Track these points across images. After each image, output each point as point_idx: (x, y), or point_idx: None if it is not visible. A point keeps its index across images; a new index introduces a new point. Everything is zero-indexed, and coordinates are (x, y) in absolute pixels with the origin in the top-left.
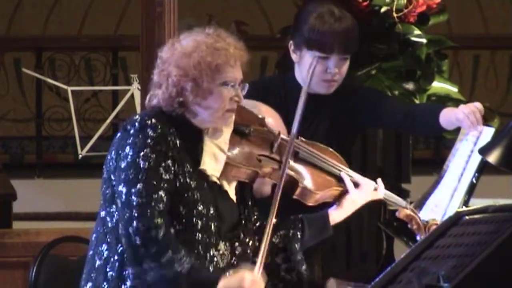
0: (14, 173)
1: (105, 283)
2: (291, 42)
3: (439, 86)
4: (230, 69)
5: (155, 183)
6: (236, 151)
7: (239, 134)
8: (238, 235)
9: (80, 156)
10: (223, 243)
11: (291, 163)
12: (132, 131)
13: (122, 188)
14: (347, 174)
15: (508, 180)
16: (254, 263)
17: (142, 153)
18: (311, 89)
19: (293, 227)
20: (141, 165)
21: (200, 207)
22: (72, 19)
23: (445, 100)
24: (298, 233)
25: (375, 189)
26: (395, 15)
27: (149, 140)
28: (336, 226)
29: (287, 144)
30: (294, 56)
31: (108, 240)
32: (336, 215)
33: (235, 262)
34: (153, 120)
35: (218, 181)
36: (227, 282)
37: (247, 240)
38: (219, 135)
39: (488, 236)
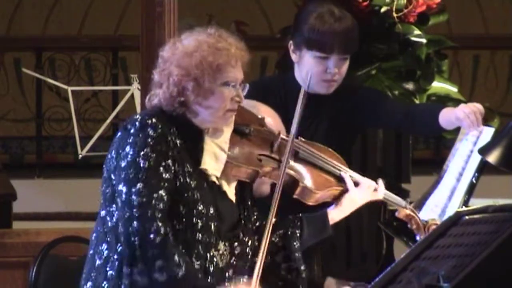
0: (14, 173)
1: (105, 282)
2: (290, 42)
3: (439, 86)
4: (231, 69)
5: (155, 182)
6: (236, 150)
7: (239, 134)
8: (237, 235)
9: (80, 156)
10: (223, 243)
11: (291, 162)
12: (132, 131)
13: (122, 187)
14: (347, 173)
15: (508, 180)
16: (253, 263)
17: (142, 153)
18: (311, 89)
19: (292, 226)
20: (141, 165)
21: (200, 207)
22: (72, 19)
23: (445, 100)
24: (297, 231)
25: (375, 190)
26: (395, 15)
27: (149, 140)
28: (336, 226)
29: (287, 143)
30: (293, 56)
31: (108, 239)
32: (335, 214)
33: (234, 262)
34: (154, 120)
35: (217, 181)
36: None
37: (247, 240)
38: (219, 135)
39: (488, 236)
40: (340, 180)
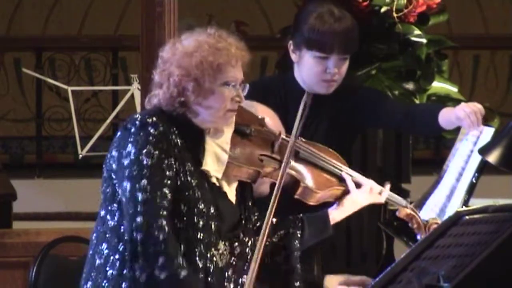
0: (14, 173)
1: (105, 282)
2: (290, 42)
3: (439, 86)
4: (232, 69)
5: (159, 179)
6: (237, 151)
7: (240, 134)
8: (238, 235)
9: (80, 156)
10: (223, 242)
11: (292, 162)
12: (133, 130)
13: (126, 184)
14: (349, 174)
15: (508, 180)
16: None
17: (144, 150)
18: (310, 90)
19: (293, 226)
20: (145, 162)
21: (201, 206)
22: (72, 19)
23: (445, 100)
24: (298, 232)
25: (379, 193)
26: (395, 15)
27: (150, 138)
28: (336, 226)
29: (288, 144)
30: (293, 56)
31: (108, 239)
32: (336, 215)
33: (234, 262)
34: (154, 119)
35: (217, 183)
36: None
37: (247, 240)
38: (220, 135)
39: (488, 236)
40: (341, 180)
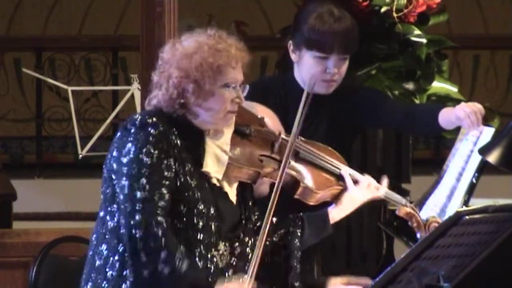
0: (14, 173)
1: (105, 282)
2: (290, 42)
3: (439, 86)
4: (232, 70)
5: (157, 179)
6: (237, 151)
7: (239, 135)
8: (238, 235)
9: (80, 156)
10: (223, 243)
11: (292, 163)
12: (133, 130)
13: (124, 182)
14: (347, 172)
15: (508, 180)
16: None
17: (144, 149)
18: (310, 90)
19: (293, 225)
20: (144, 161)
21: (201, 207)
22: (72, 19)
23: (445, 100)
24: (298, 230)
25: (376, 188)
26: (395, 15)
27: (150, 138)
28: (337, 226)
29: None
30: (293, 56)
31: (108, 240)
32: (336, 213)
33: (234, 262)
34: (154, 119)
35: (218, 183)
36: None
37: (247, 240)
38: (220, 136)
39: (488, 236)
40: (340, 179)
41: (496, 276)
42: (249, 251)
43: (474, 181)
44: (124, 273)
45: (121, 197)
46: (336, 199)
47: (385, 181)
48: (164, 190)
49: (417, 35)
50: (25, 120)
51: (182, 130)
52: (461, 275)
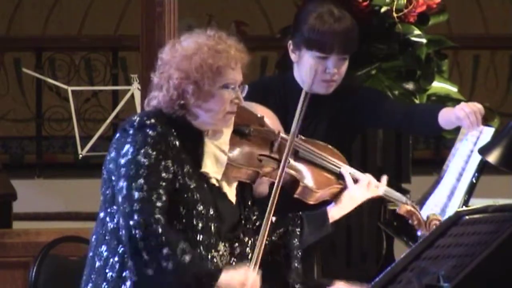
0: (14, 173)
1: (104, 284)
2: (290, 42)
3: (439, 86)
4: (231, 71)
5: (155, 180)
6: (236, 151)
7: (239, 135)
8: (238, 236)
9: (80, 156)
10: (223, 243)
11: (292, 162)
12: (131, 131)
13: (122, 183)
14: (346, 170)
15: (508, 180)
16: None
17: (142, 150)
18: (310, 89)
19: (292, 224)
20: (142, 161)
21: (200, 208)
22: (72, 19)
23: (445, 100)
24: (297, 230)
25: (375, 186)
26: (395, 15)
27: (149, 139)
28: (337, 225)
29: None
30: (293, 56)
31: (108, 241)
32: (335, 212)
33: (234, 263)
34: (152, 120)
35: (217, 184)
36: (230, 276)
37: (247, 240)
38: (219, 136)
39: (488, 236)
40: (340, 177)
41: (496, 276)
42: (249, 251)
43: (474, 181)
44: (124, 274)
45: (120, 198)
46: (336, 198)
47: (384, 179)
48: (161, 191)
49: (417, 35)
50: (25, 120)
51: (181, 131)
52: (461, 275)
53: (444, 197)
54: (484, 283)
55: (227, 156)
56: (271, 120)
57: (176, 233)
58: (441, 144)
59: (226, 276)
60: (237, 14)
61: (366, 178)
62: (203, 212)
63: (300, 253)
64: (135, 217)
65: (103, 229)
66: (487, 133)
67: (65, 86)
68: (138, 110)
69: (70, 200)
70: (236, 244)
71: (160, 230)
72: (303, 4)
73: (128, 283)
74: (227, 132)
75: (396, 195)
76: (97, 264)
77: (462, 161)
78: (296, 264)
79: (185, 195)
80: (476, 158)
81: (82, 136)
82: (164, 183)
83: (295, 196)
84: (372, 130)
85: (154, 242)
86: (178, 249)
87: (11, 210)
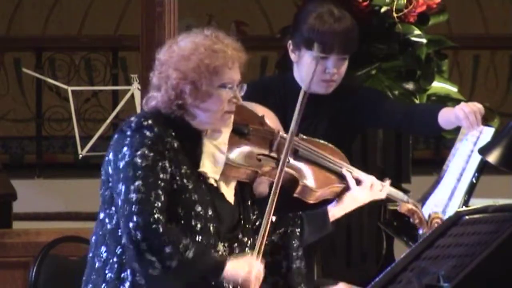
0: (14, 173)
1: (104, 284)
2: (289, 41)
3: (439, 86)
4: (228, 71)
5: (153, 181)
6: (235, 151)
7: (238, 134)
8: (237, 236)
9: (80, 156)
10: (222, 244)
11: (291, 161)
12: (128, 132)
13: (121, 187)
14: (349, 171)
15: (508, 180)
16: None
17: (139, 152)
18: (310, 89)
19: (292, 224)
20: (139, 163)
21: (198, 208)
22: (72, 19)
23: (445, 100)
24: (297, 230)
25: (379, 189)
26: (395, 15)
27: (146, 140)
28: (337, 225)
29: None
30: (292, 56)
31: (107, 242)
32: (336, 212)
33: None
34: (150, 121)
35: (215, 184)
36: (235, 265)
37: (246, 240)
38: (218, 136)
39: (488, 236)
40: (342, 177)
41: (496, 276)
42: (248, 251)
43: (474, 181)
44: (123, 275)
45: (119, 201)
46: (337, 197)
47: (387, 182)
48: (160, 191)
49: (417, 35)
50: (25, 120)
51: (180, 131)
52: (461, 275)
53: (444, 197)
54: (484, 283)
55: (226, 156)
56: (271, 120)
57: (177, 230)
58: (441, 144)
59: (231, 266)
60: (237, 14)
61: (369, 180)
62: (201, 212)
63: (300, 253)
64: (135, 218)
65: (102, 230)
66: (487, 133)
67: (65, 86)
68: (138, 110)
69: (70, 200)
70: (236, 244)
71: (160, 229)
72: (303, 4)
73: (127, 284)
74: (226, 132)
75: (398, 193)
76: (97, 264)
77: (462, 161)
78: (297, 264)
79: (183, 196)
80: (476, 158)
81: (82, 136)
82: (162, 184)
83: (295, 195)
84: (372, 130)
85: (156, 242)
86: (181, 246)
87: (11, 210)
